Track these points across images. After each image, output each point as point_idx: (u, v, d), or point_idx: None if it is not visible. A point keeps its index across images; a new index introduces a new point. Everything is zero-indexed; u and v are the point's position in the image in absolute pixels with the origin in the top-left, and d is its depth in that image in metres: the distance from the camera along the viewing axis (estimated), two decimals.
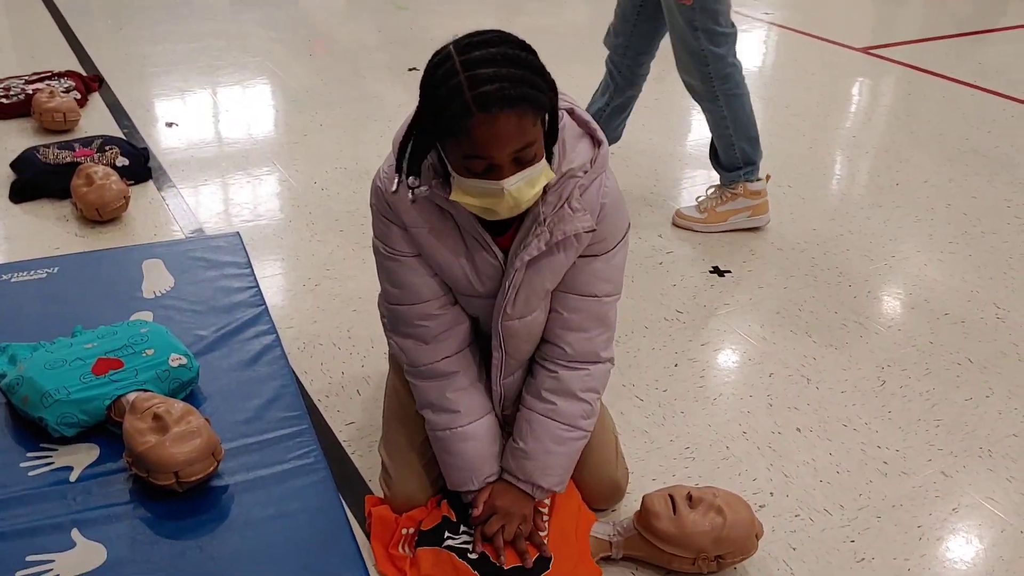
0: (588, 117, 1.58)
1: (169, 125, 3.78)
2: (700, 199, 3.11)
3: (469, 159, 1.41)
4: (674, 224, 3.10)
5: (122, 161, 3.18)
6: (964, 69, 4.78)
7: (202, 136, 3.71)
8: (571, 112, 1.57)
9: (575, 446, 1.76)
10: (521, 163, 1.41)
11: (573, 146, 1.54)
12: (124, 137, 3.54)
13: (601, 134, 1.58)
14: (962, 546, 1.89)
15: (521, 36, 1.43)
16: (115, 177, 2.94)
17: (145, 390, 2.00)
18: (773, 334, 2.54)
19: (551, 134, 1.48)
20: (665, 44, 2.96)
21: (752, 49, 5.15)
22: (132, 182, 3.16)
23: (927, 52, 5.13)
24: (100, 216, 2.90)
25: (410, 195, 1.54)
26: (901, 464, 2.10)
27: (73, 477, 1.90)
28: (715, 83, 2.86)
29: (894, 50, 5.13)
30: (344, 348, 2.40)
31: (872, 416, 2.24)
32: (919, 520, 1.95)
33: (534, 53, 1.41)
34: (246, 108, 4.02)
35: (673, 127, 4.00)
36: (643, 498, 1.73)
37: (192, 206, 3.11)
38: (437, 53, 1.40)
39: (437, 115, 1.38)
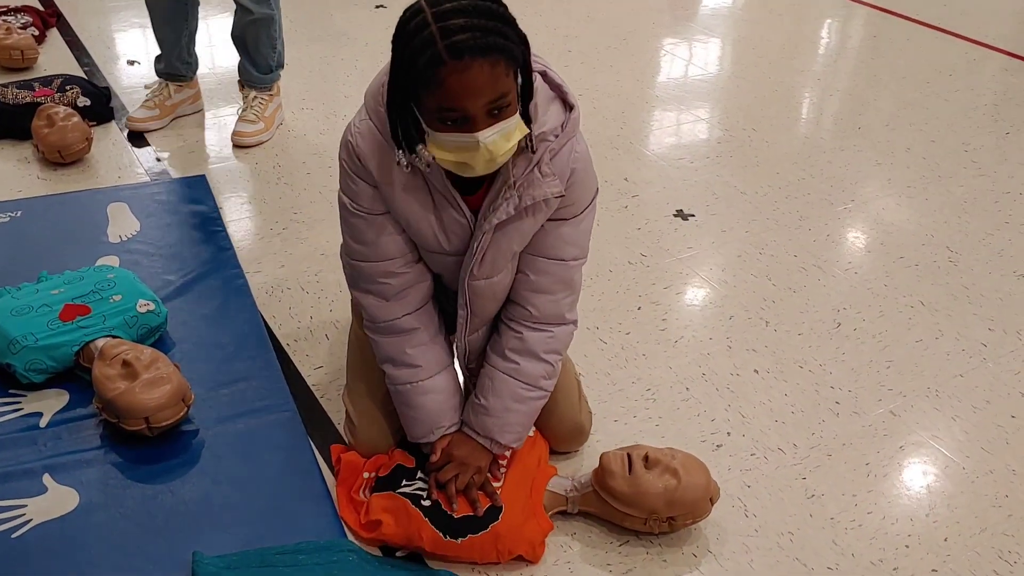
0: (560, 80, 1.57)
1: (131, 63, 3.72)
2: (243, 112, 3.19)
3: (443, 111, 1.40)
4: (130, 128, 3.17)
5: (83, 101, 3.14)
6: (931, 12, 4.80)
7: None
8: (544, 74, 1.56)
9: (535, 405, 1.80)
10: (495, 115, 1.41)
11: (545, 109, 1.54)
12: (85, 76, 3.48)
13: (573, 98, 1.57)
14: (907, 482, 1.98)
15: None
16: (77, 118, 2.91)
17: (113, 336, 2.02)
18: (734, 277, 2.60)
19: (524, 90, 1.47)
20: None
21: None
22: (94, 123, 3.12)
23: None
24: (62, 158, 2.88)
25: (404, 166, 1.53)
26: (852, 404, 2.17)
27: (43, 423, 1.92)
28: None
29: None
30: (312, 292, 2.43)
31: (826, 358, 2.31)
32: (867, 458, 2.03)
33: (505, 6, 1.41)
34: (211, 46, 3.96)
35: (640, 70, 4.00)
36: (600, 456, 1.77)
37: (156, 147, 3.09)
38: (408, 8, 1.39)
39: (409, 68, 1.38)
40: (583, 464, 1.97)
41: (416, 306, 1.75)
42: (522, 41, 1.42)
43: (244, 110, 3.17)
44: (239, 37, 3.08)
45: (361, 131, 1.57)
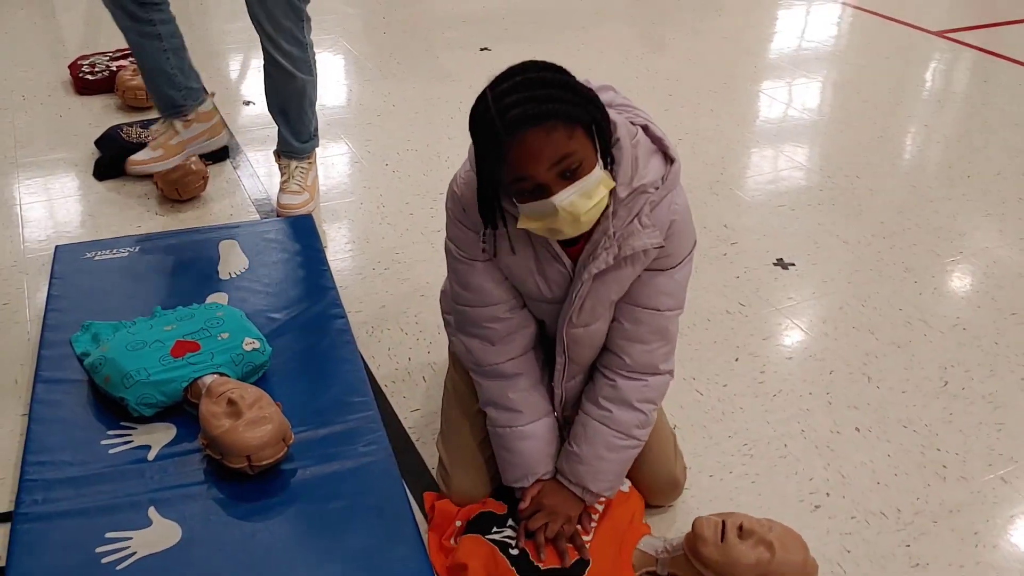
0: (662, 133, 1.59)
1: (247, 103, 3.86)
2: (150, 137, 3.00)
3: (516, 183, 1.46)
4: (128, 172, 2.95)
5: None
6: None
7: None
8: (645, 128, 1.59)
9: (627, 454, 1.79)
10: (568, 177, 1.44)
11: (645, 162, 1.56)
12: None
13: (674, 151, 1.59)
14: (1019, 554, 1.90)
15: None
16: (195, 158, 3.03)
17: (220, 373, 2.09)
18: (835, 330, 2.55)
19: (604, 142, 1.49)
20: None
21: (824, 30, 5.08)
22: (210, 162, 3.25)
23: (1004, 36, 5.00)
24: (179, 195, 3.01)
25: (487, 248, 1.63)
26: (960, 468, 2.10)
27: (151, 456, 1.99)
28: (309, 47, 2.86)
29: (970, 34, 5.00)
30: (411, 334, 2.47)
31: (933, 418, 2.25)
32: (976, 527, 1.95)
33: (562, 71, 1.46)
34: (322, 87, 4.05)
35: (740, 113, 3.97)
36: (695, 520, 1.73)
37: (267, 187, 3.19)
38: (478, 98, 1.45)
39: (482, 151, 1.46)
40: (675, 520, 1.95)
41: (520, 352, 1.77)
42: (586, 100, 1.45)
43: (285, 180, 3.00)
44: (279, 106, 2.94)
45: (466, 181, 1.61)
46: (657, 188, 1.58)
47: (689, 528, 1.75)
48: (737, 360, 2.43)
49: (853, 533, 1.93)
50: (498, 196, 1.52)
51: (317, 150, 3.11)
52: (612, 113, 1.53)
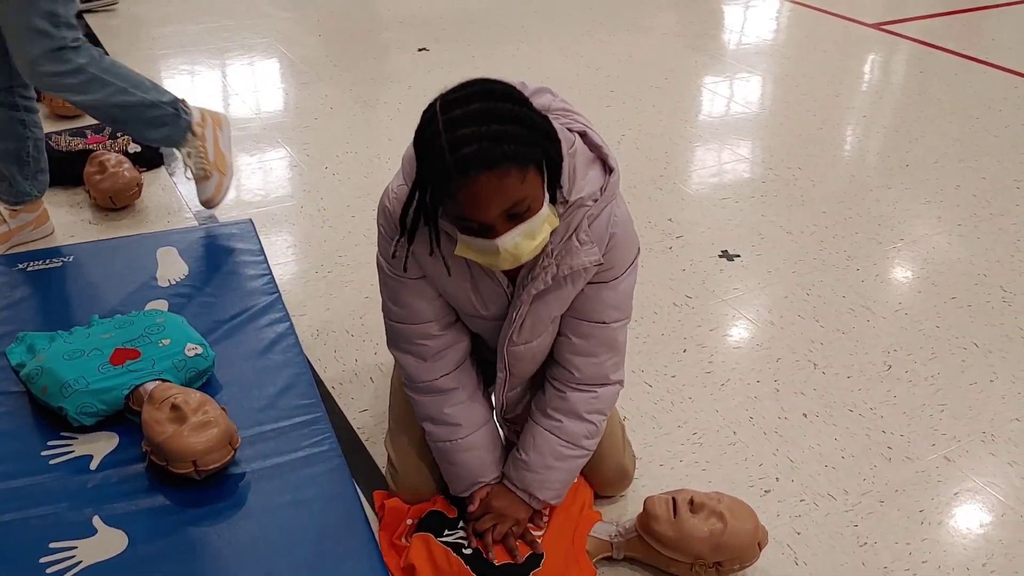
0: (600, 141, 1.53)
1: None
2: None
3: (460, 220, 1.39)
4: None
5: (134, 148, 3.21)
6: (976, 45, 4.77)
7: None
8: (583, 135, 1.52)
9: (575, 463, 1.78)
10: (515, 219, 1.38)
11: (583, 172, 1.49)
12: None
13: (614, 159, 1.53)
14: (963, 530, 1.92)
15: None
16: (128, 164, 2.97)
17: (163, 380, 2.04)
18: (781, 319, 2.57)
19: (554, 176, 1.42)
20: None
21: (763, 25, 5.15)
22: (144, 169, 3.19)
23: (940, 27, 5.11)
24: (113, 204, 2.94)
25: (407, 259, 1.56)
26: (905, 449, 2.13)
27: (93, 465, 1.94)
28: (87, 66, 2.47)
29: (907, 25, 5.10)
30: (357, 335, 2.44)
31: (877, 401, 2.27)
32: (921, 505, 1.98)
33: (523, 102, 1.36)
34: (256, 91, 4.04)
35: (683, 108, 4.00)
36: (645, 500, 1.75)
37: None
38: (427, 109, 1.35)
39: (426, 175, 1.36)
40: (628, 509, 1.95)
41: (454, 366, 1.73)
42: (543, 136, 1.36)
43: (187, 170, 2.79)
44: (115, 129, 2.98)
45: (398, 196, 1.53)
46: (596, 200, 1.51)
47: (640, 511, 1.76)
48: (685, 351, 2.43)
49: (803, 515, 1.94)
50: (435, 216, 1.41)
51: (209, 124, 2.78)
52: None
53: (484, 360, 1.83)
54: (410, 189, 1.41)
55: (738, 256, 2.85)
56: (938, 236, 3.01)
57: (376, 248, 1.68)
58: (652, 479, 2.02)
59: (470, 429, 1.76)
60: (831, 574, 1.81)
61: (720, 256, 2.85)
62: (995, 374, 2.38)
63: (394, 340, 1.75)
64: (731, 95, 4.16)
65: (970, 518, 1.95)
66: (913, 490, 2.02)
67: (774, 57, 4.66)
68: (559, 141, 1.41)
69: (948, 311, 2.62)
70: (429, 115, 1.34)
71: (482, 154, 1.29)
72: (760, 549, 1.74)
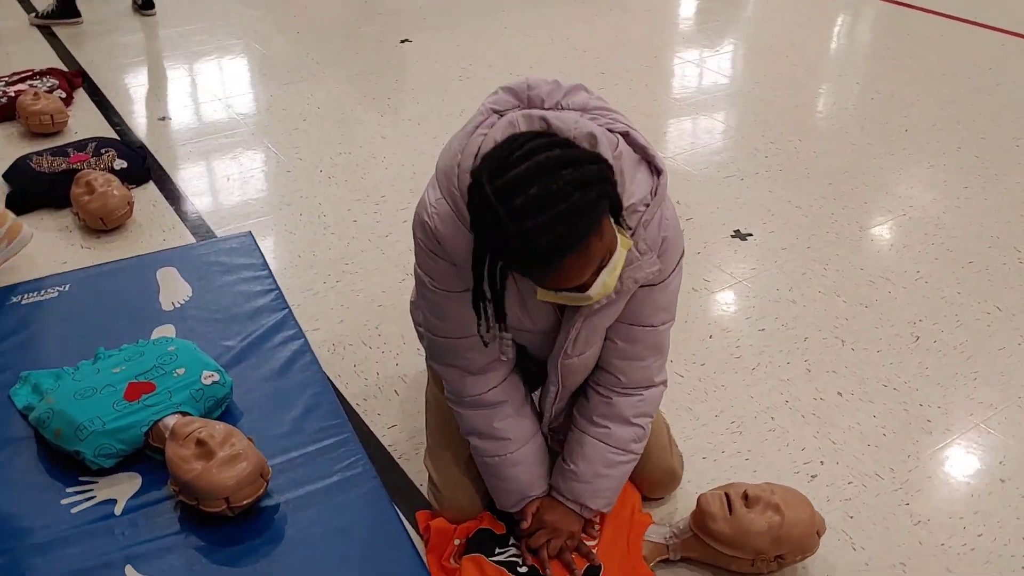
0: (645, 141, 1.45)
1: (162, 119, 3.68)
2: None
3: (550, 289, 1.36)
4: None
5: (120, 163, 3.10)
6: (958, 4, 4.72)
7: (197, 129, 3.61)
8: (626, 135, 1.44)
9: (625, 469, 1.73)
10: (603, 267, 1.34)
11: (632, 176, 1.42)
12: (117, 137, 3.45)
13: (660, 161, 1.46)
14: (1014, 499, 1.89)
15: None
16: (116, 183, 2.86)
17: (182, 412, 1.96)
18: (803, 296, 2.52)
19: (615, 206, 1.34)
20: None
21: None
22: (133, 185, 3.08)
23: None
24: (105, 225, 2.83)
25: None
26: (944, 421, 2.10)
27: (118, 510, 1.86)
28: None
29: None
30: (375, 347, 2.36)
31: (911, 374, 2.24)
32: (968, 476, 1.96)
33: (575, 159, 1.25)
34: (239, 95, 3.92)
35: (676, 87, 3.94)
36: (698, 498, 1.70)
37: (198, 206, 3.04)
38: (474, 189, 1.26)
39: (501, 256, 1.30)
40: (677, 507, 1.90)
41: (501, 379, 1.67)
42: (602, 182, 1.27)
43: None
44: None
45: (439, 212, 1.46)
46: (648, 205, 1.44)
47: (692, 509, 1.71)
48: (711, 337, 2.38)
49: (853, 498, 1.90)
50: (504, 276, 1.36)
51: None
52: (587, 123, 1.39)
53: (526, 370, 1.77)
54: (475, 254, 1.34)
55: (751, 235, 2.80)
56: (946, 200, 2.97)
57: (413, 260, 1.61)
58: (697, 473, 1.97)
59: (519, 443, 1.70)
60: (889, 556, 1.77)
61: (733, 236, 2.80)
62: (1022, 337, 2.34)
63: (437, 354, 1.68)
64: (721, 69, 4.10)
65: (1019, 487, 1.92)
66: (958, 462, 1.99)
67: (761, 29, 4.60)
68: (612, 172, 1.31)
69: (967, 276, 2.59)
70: (484, 202, 1.23)
71: (562, 241, 1.23)
72: (819, 537, 1.70)
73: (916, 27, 4.50)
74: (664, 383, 1.73)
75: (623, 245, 1.36)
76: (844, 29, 4.57)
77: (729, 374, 2.25)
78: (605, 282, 1.35)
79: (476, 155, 1.38)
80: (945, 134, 3.40)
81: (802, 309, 2.47)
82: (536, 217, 1.20)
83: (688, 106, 3.73)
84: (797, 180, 3.10)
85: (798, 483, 1.93)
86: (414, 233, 1.54)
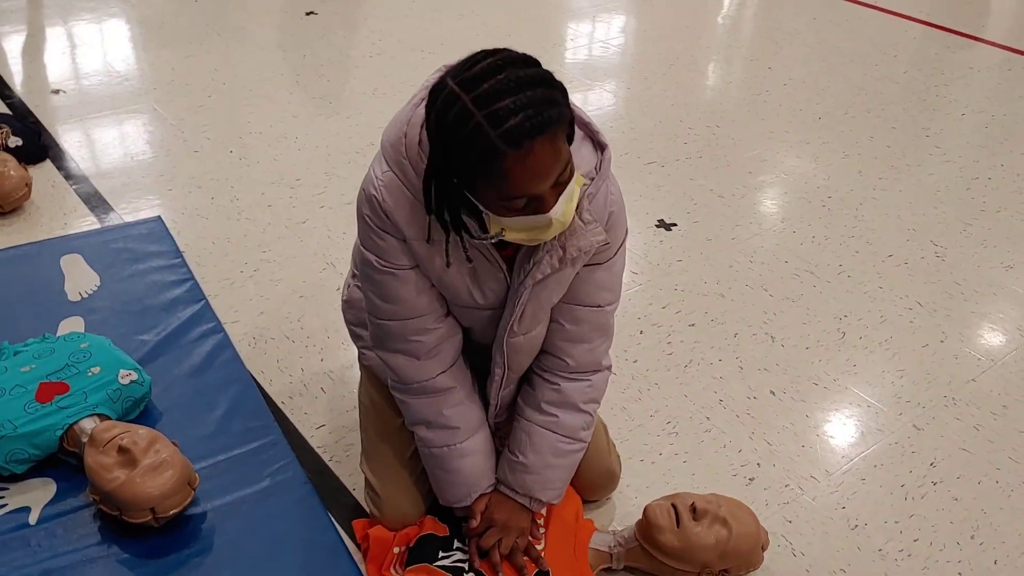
0: (588, 118, 1.46)
1: (55, 92, 3.45)
2: None
3: (509, 200, 1.29)
4: None
5: (15, 141, 2.91)
6: None
7: (94, 103, 3.40)
8: None
9: (575, 458, 1.70)
10: (560, 185, 1.31)
11: (577, 149, 1.41)
12: (10, 112, 3.22)
13: (603, 136, 1.46)
14: (947, 504, 1.93)
15: None
16: (13, 163, 2.67)
17: (99, 415, 1.84)
18: (730, 290, 2.53)
19: (570, 135, 1.35)
20: None
21: None
22: (29, 165, 2.88)
23: None
24: (1, 208, 2.65)
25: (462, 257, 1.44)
26: (875, 420, 2.13)
27: (33, 519, 1.74)
28: None
29: None
30: (298, 341, 2.27)
31: (839, 372, 2.26)
32: (901, 479, 1.98)
33: (538, 63, 1.27)
34: (137, 66, 3.71)
35: (579, 65, 3.90)
36: (645, 508, 1.68)
37: (100, 187, 2.86)
38: (438, 94, 1.25)
39: (459, 163, 1.26)
40: (616, 512, 1.88)
41: (450, 363, 1.62)
42: (564, 94, 1.28)
43: None
44: None
45: (385, 183, 1.42)
46: (592, 179, 1.45)
47: (631, 517, 1.69)
48: (642, 332, 2.36)
49: (790, 502, 1.91)
50: (460, 209, 1.34)
51: None
52: None
53: (472, 366, 1.71)
54: (425, 178, 1.32)
55: (675, 224, 2.80)
56: (863, 191, 3.02)
57: (359, 239, 1.55)
58: (635, 476, 1.95)
59: (468, 433, 1.65)
60: (829, 562, 1.79)
61: (657, 226, 2.79)
62: (943, 333, 2.40)
63: (383, 341, 1.61)
64: (638, 52, 4.08)
65: (950, 489, 1.96)
66: (891, 464, 2.01)
67: (666, 8, 4.59)
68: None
69: (887, 270, 2.64)
70: (448, 96, 1.23)
71: (530, 122, 1.20)
72: (763, 551, 1.70)
73: (823, 12, 4.57)
74: (609, 368, 1.71)
75: (576, 182, 1.34)
76: (752, 11, 4.60)
77: (662, 371, 2.24)
78: (564, 210, 1.32)
79: (421, 125, 1.35)
80: (857, 122, 3.45)
81: (731, 303, 2.48)
82: (503, 98, 1.20)
83: (605, 93, 3.70)
84: (718, 168, 3.11)
85: (737, 486, 1.93)
86: (359, 211, 1.48)
